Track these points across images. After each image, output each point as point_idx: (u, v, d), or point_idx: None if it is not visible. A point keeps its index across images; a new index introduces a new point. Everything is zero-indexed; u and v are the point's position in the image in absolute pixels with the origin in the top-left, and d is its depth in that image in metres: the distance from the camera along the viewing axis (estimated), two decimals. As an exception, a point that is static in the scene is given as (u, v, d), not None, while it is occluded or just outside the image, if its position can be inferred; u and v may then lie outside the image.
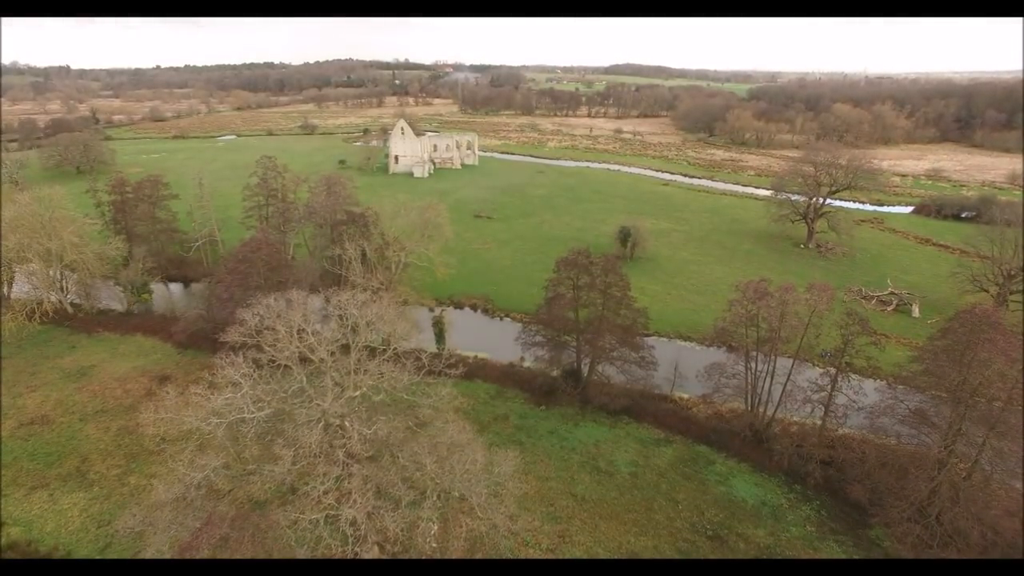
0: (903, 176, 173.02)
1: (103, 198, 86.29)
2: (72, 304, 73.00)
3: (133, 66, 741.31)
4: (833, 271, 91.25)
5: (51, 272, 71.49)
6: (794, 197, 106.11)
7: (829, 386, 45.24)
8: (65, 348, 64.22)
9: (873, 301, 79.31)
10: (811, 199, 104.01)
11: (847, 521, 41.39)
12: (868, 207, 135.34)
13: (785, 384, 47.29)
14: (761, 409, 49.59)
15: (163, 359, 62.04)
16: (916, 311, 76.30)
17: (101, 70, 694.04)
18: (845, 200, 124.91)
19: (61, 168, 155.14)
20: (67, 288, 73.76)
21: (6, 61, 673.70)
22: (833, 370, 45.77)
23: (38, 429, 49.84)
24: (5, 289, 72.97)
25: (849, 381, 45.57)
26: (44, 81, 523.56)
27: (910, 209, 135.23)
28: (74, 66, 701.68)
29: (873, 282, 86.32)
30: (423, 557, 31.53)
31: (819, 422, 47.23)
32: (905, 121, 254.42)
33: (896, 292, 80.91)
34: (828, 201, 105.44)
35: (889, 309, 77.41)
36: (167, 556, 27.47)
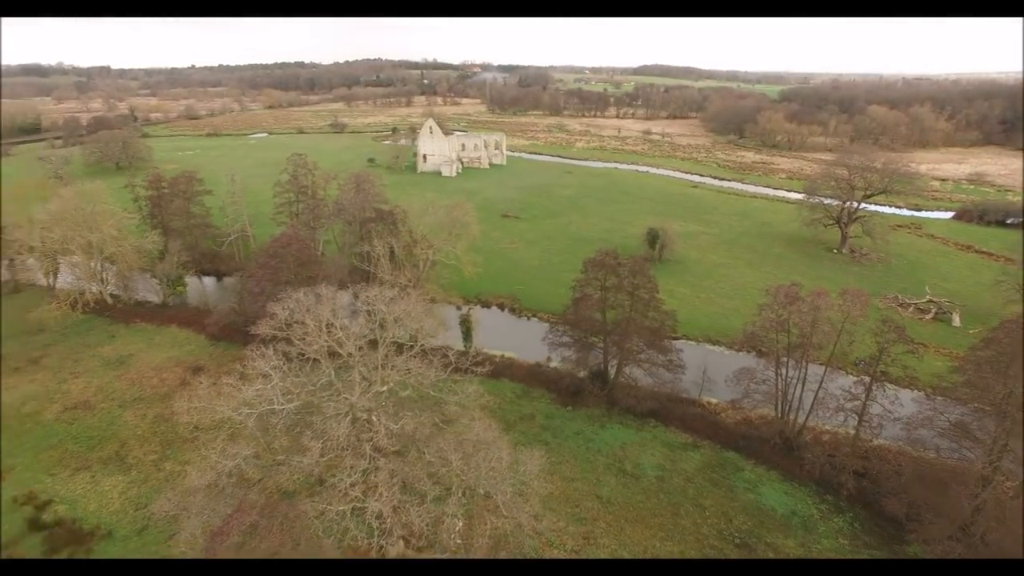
0: (943, 180, 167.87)
1: (140, 193, 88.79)
2: (111, 295, 75.24)
3: (170, 65, 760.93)
4: (867, 277, 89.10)
5: (92, 264, 73.74)
6: (827, 201, 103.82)
7: (863, 395, 44.06)
8: (105, 337, 66.18)
9: (910, 309, 77.20)
10: (844, 203, 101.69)
11: (882, 535, 40.29)
12: (905, 212, 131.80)
13: (817, 391, 46.27)
14: (792, 416, 48.62)
15: (196, 350, 63.47)
16: (957, 320, 73.96)
17: (140, 70, 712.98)
18: (880, 205, 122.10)
19: (101, 164, 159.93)
20: (107, 280, 76.10)
21: (52, 62, 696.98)
22: (867, 378, 44.58)
23: (81, 414, 51.65)
24: (51, 280, 75.66)
25: (884, 390, 44.31)
26: (87, 81, 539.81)
27: (950, 214, 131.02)
28: (114, 66, 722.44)
29: (910, 289, 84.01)
30: (447, 553, 31.64)
31: (852, 432, 46.10)
32: (945, 123, 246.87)
33: (935, 300, 78.60)
34: (863, 205, 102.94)
35: (928, 317, 75.23)
36: (199, 540, 28.07)
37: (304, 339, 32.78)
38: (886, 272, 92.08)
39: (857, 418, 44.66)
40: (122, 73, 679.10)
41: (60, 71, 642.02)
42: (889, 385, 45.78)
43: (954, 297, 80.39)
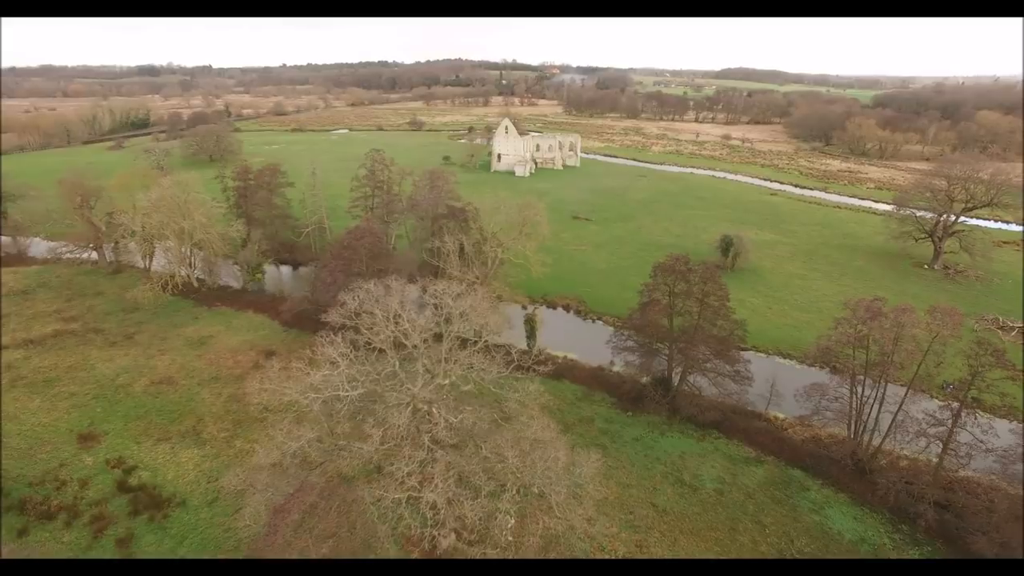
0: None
1: (229, 184, 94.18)
2: (198, 279, 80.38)
3: (263, 64, 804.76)
4: (962, 296, 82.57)
5: (183, 249, 79.02)
6: (919, 213, 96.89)
7: (950, 420, 40.87)
8: (189, 318, 70.78)
9: (1013, 332, 70.97)
10: (941, 215, 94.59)
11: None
12: (1014, 227, 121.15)
13: (896, 414, 43.30)
14: (866, 438, 45.77)
15: (270, 335, 66.75)
16: (1064, 347, 67.43)
17: (236, 68, 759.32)
18: (983, 219, 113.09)
19: (197, 156, 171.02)
20: (194, 264, 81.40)
21: (163, 62, 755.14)
22: (956, 404, 41.29)
23: (164, 388, 55.44)
24: (147, 262, 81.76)
25: (976, 419, 40.95)
26: (190, 79, 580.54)
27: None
28: (215, 65, 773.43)
29: (1013, 311, 77.19)
30: (497, 549, 31.80)
31: (935, 460, 42.88)
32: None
33: (1040, 324, 71.98)
34: (962, 219, 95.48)
35: (1031, 342, 68.99)
36: (262, 515, 29.50)
37: (372, 328, 33.81)
38: (985, 292, 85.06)
39: (941, 445, 41.45)
40: (221, 72, 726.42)
41: (169, 71, 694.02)
42: (983, 412, 42.37)
43: (1064, 322, 73.23)
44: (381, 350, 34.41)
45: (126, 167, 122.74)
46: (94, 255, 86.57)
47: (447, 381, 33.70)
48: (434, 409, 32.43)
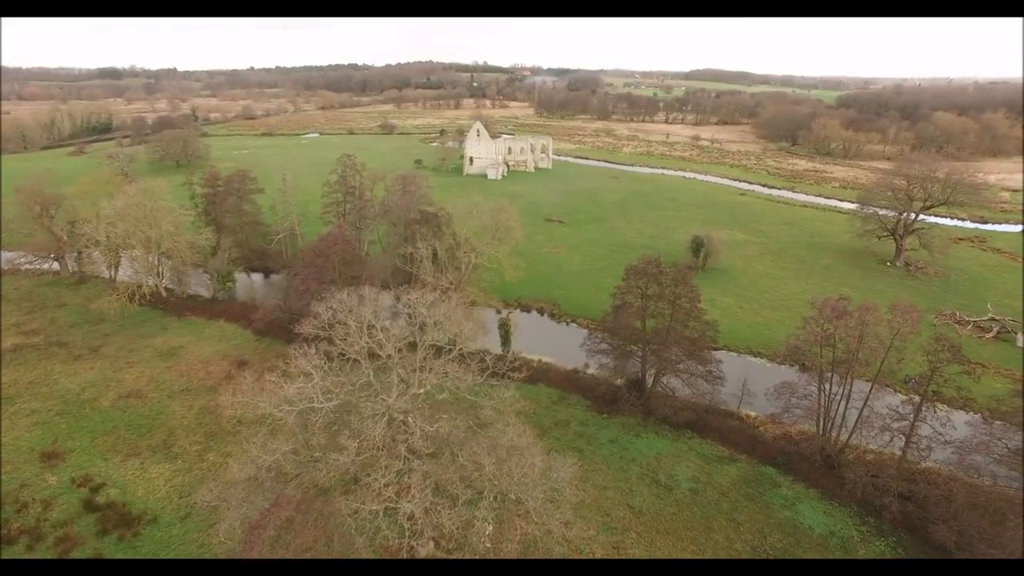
0: (1013, 191, 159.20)
1: (197, 191, 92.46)
2: (166, 288, 78.67)
3: (230, 67, 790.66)
4: (923, 292, 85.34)
5: (150, 258, 77.23)
6: (882, 212, 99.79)
7: (911, 415, 42.28)
8: (158, 329, 69.28)
9: (969, 327, 73.54)
10: (901, 214, 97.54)
11: (927, 561, 38.62)
12: (968, 224, 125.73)
13: (861, 410, 44.63)
14: (834, 433, 47.05)
15: (242, 344, 65.74)
16: (1021, 340, 70.08)
17: (202, 71, 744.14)
18: (941, 216, 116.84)
19: (163, 162, 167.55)
20: (163, 273, 79.57)
21: (125, 64, 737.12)
22: (918, 398, 42.71)
23: (133, 402, 54.21)
24: (113, 272, 79.71)
25: (936, 412, 42.42)
26: (155, 82, 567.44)
27: (1020, 227, 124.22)
28: (180, 68, 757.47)
29: (970, 306, 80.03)
30: (476, 556, 31.90)
31: (899, 452, 44.29)
32: (1021, 130, 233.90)
33: (998, 318, 74.59)
34: (921, 217, 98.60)
35: (989, 336, 71.50)
36: (238, 531, 29.11)
37: (345, 339, 33.62)
38: (944, 287, 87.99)
39: (904, 439, 42.87)
40: (187, 75, 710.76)
41: (132, 73, 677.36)
42: (942, 405, 43.88)
43: (1019, 315, 76.11)
44: (356, 360, 34.24)
45: (89, 173, 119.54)
46: (56, 265, 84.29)
47: (422, 390, 33.69)
48: (410, 418, 32.39)
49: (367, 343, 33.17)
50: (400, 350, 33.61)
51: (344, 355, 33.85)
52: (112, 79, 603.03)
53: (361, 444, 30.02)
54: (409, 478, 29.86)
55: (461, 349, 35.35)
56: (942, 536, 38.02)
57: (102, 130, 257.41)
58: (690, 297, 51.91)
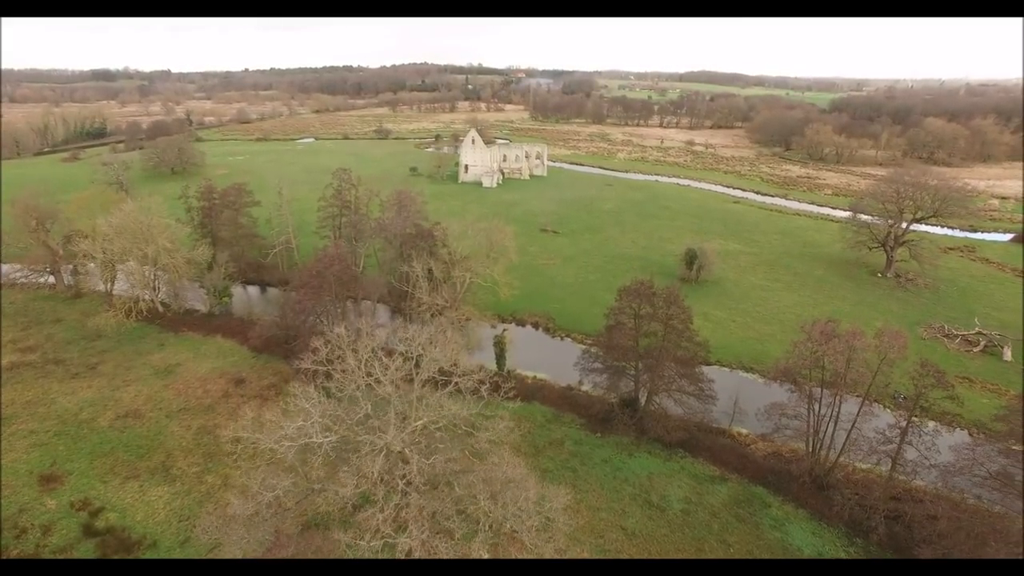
0: (1003, 199, 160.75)
1: (193, 204, 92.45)
2: (162, 303, 78.89)
3: (225, 69, 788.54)
4: (912, 304, 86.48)
5: (146, 272, 77.41)
6: (872, 220, 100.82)
7: (897, 439, 43.20)
8: (155, 345, 69.56)
9: (957, 340, 74.62)
10: (891, 225, 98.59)
11: (912, 583, 39.43)
12: (958, 233, 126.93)
13: (850, 431, 45.51)
14: (823, 453, 47.94)
15: (239, 361, 66.07)
16: (1008, 354, 71.10)
17: (197, 73, 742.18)
18: (931, 224, 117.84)
19: (158, 170, 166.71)
20: (159, 288, 79.74)
21: (119, 66, 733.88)
22: (904, 423, 43.62)
23: (131, 422, 54.53)
24: (109, 287, 79.83)
25: (921, 436, 43.31)
26: (149, 84, 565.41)
27: (1009, 236, 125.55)
28: (174, 69, 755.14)
29: (958, 319, 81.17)
30: None
31: (886, 472, 45.20)
32: (1011, 136, 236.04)
33: (984, 332, 75.67)
34: (911, 227, 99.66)
35: (976, 350, 72.52)
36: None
37: (344, 373, 34.20)
38: (933, 299, 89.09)
39: (891, 462, 43.78)
40: (181, 77, 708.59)
41: (126, 75, 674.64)
42: (930, 422, 44.75)
43: (1007, 329, 77.15)
44: (353, 395, 34.80)
45: (83, 183, 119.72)
46: (51, 279, 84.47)
47: (419, 423, 34.26)
48: (407, 451, 32.97)
49: (365, 380, 33.75)
50: (398, 387, 34.16)
51: (342, 391, 34.41)
52: (105, 81, 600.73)
53: (359, 480, 30.60)
54: (407, 513, 30.47)
55: (456, 384, 35.79)
56: (928, 557, 38.83)
57: (96, 135, 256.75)
58: (682, 318, 52.69)
